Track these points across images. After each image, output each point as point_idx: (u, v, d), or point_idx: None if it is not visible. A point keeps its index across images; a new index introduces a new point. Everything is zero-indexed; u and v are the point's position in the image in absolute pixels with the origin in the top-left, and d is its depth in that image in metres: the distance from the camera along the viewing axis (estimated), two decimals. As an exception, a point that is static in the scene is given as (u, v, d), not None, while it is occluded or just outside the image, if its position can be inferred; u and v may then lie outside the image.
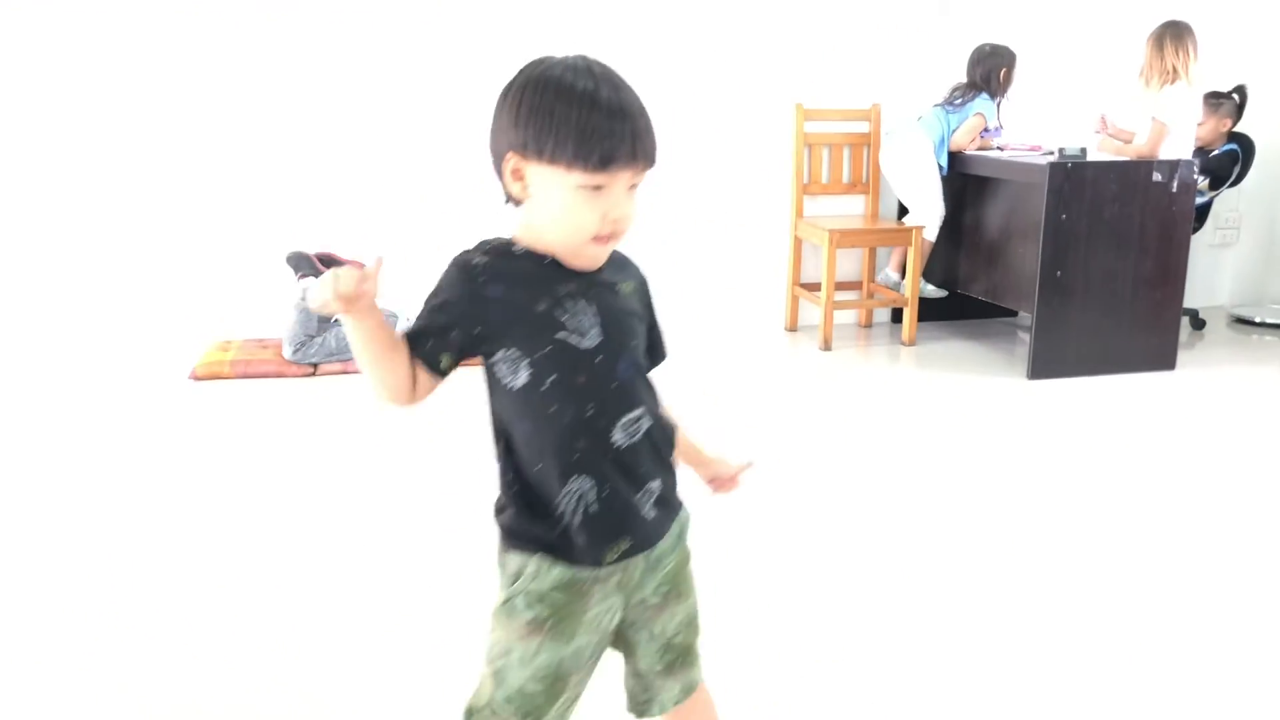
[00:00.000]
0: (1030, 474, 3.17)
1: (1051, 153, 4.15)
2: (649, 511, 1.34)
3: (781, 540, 2.70)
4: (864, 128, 4.80)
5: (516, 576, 1.32)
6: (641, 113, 1.24)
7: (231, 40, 4.28)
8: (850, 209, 4.91)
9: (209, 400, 3.74)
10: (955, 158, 4.63)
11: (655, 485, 1.35)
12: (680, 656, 1.45)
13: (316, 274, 4.26)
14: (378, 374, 1.27)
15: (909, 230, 4.52)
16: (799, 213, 4.78)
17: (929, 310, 4.83)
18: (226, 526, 2.72)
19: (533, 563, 1.31)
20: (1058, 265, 4.01)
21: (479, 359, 1.28)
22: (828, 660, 2.13)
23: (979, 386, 4.03)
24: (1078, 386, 4.01)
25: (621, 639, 1.43)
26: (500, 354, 1.27)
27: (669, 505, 1.38)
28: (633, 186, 1.26)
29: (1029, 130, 4.88)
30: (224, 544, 2.62)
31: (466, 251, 1.29)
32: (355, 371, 4.04)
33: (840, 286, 4.75)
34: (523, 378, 1.26)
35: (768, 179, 4.80)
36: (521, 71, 1.25)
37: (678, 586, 1.42)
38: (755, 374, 4.23)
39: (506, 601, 1.32)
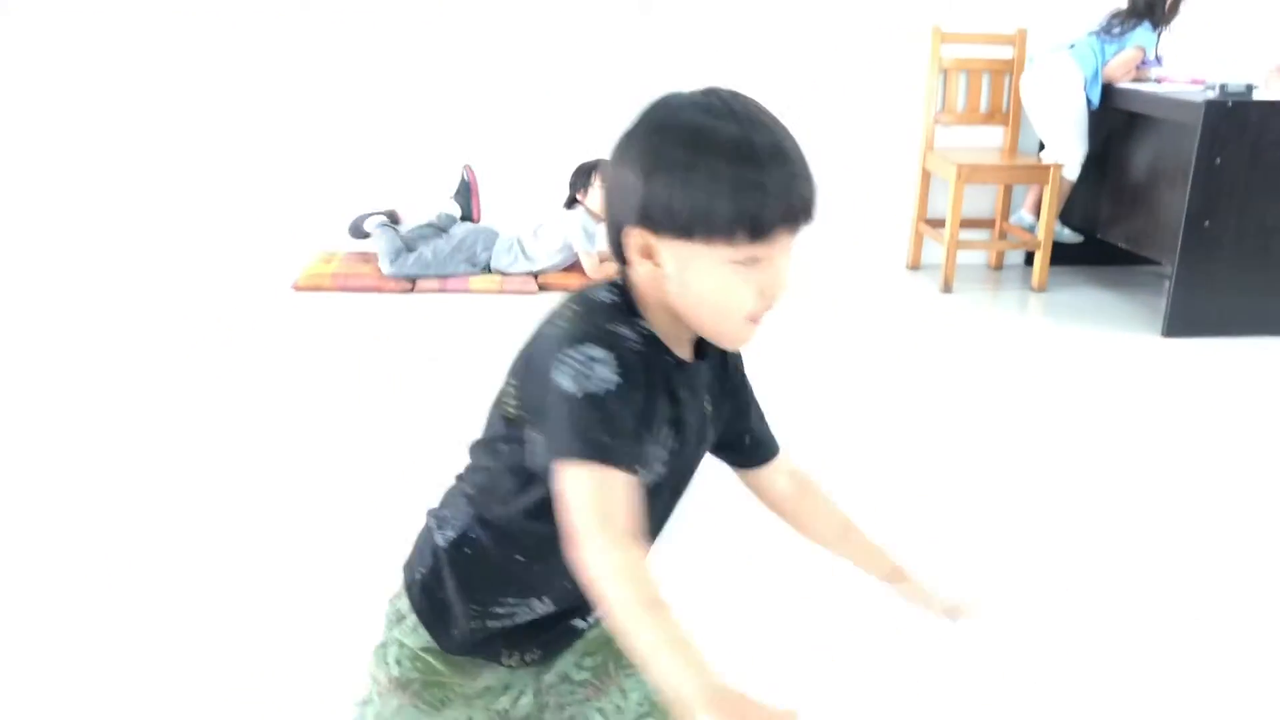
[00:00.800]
0: (1157, 443, 2.91)
1: (1212, 88, 3.76)
2: (585, 619, 1.12)
3: (884, 504, 2.55)
4: (1007, 53, 4.45)
5: (399, 619, 1.12)
6: (799, 156, 0.96)
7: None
8: (986, 141, 4.58)
9: (308, 311, 3.77)
10: (1106, 91, 4.25)
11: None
12: None
13: (466, 206, 4.25)
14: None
15: (1046, 168, 4.20)
16: (929, 144, 4.49)
17: (1064, 255, 4.49)
18: (314, 439, 2.76)
19: (415, 636, 1.10)
20: (1206, 214, 3.65)
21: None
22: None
23: (1108, 341, 3.74)
24: (1218, 348, 3.67)
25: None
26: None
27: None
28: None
29: (1192, 63, 4.45)
30: (316, 459, 2.65)
31: (605, 320, 0.97)
32: (454, 290, 4.01)
33: (970, 225, 4.46)
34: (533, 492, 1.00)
35: (898, 106, 4.51)
36: (644, 116, 0.97)
37: (613, 652, 1.13)
38: (867, 314, 4.03)
39: (381, 646, 1.13)
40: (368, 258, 4.19)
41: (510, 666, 1.11)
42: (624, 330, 0.96)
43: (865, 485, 2.60)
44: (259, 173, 4.35)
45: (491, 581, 1.06)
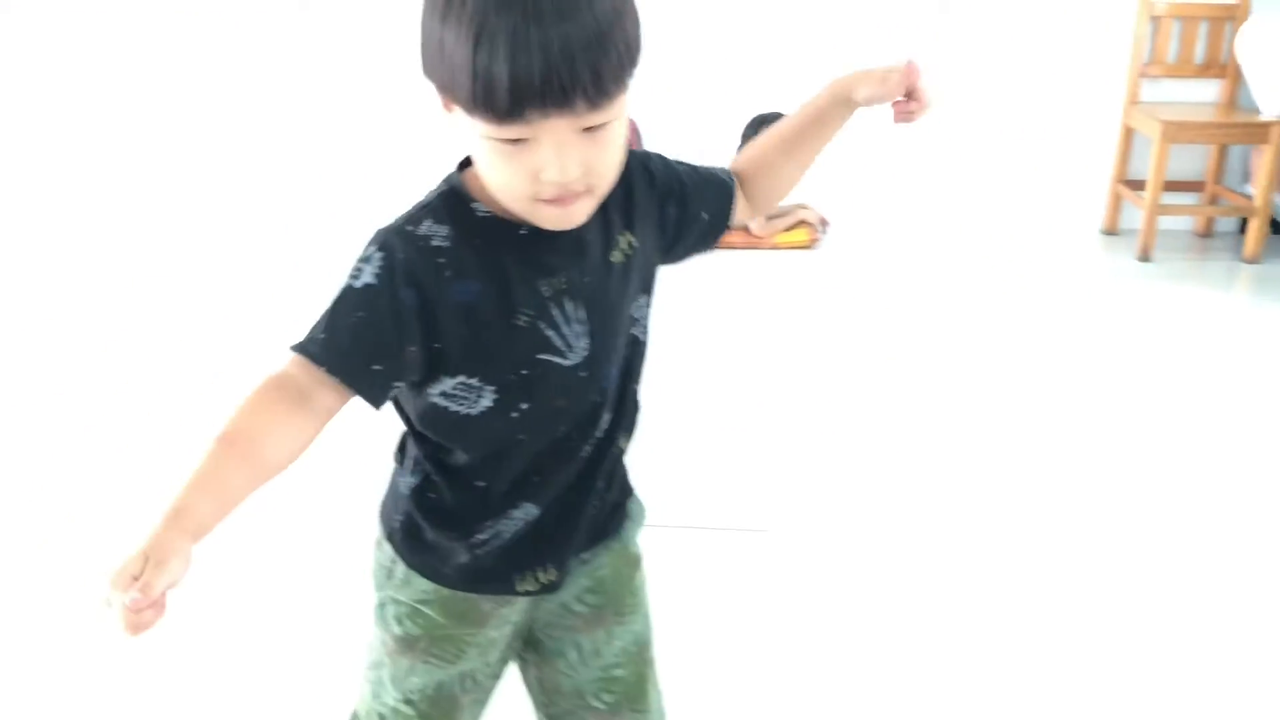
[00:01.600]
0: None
1: None
2: (588, 536, 1.05)
3: (1065, 498, 2.35)
4: (1229, -1, 4.03)
5: (387, 574, 1.05)
6: (581, 33, 0.78)
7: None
8: (1199, 96, 4.16)
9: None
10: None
11: (609, 493, 1.05)
12: (626, 701, 1.12)
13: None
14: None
15: (1266, 126, 3.77)
16: (1133, 98, 4.11)
17: (1284, 223, 4.06)
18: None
19: (410, 577, 1.04)
20: None
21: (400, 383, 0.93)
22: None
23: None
24: None
25: (532, 641, 1.12)
26: (449, 384, 0.93)
27: (615, 509, 1.09)
28: (588, 130, 0.83)
29: None
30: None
31: (410, 217, 0.92)
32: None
33: (1177, 187, 4.08)
34: (482, 405, 0.94)
35: (1100, 55, 4.14)
36: None
37: (617, 599, 1.10)
38: (1053, 283, 3.73)
39: (379, 606, 1.07)
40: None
41: (527, 592, 1.03)
42: (428, 228, 0.90)
43: (1047, 476, 2.41)
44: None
45: (465, 513, 1.01)
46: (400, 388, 0.94)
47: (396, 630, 1.06)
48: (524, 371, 0.94)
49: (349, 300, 0.89)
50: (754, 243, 3.94)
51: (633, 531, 1.12)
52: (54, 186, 4.53)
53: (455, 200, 0.93)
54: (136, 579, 0.74)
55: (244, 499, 0.84)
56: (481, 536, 1.01)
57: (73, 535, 2.23)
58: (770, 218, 3.98)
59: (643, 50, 0.86)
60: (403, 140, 4.34)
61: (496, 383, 0.94)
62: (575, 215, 0.89)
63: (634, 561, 1.12)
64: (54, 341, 3.23)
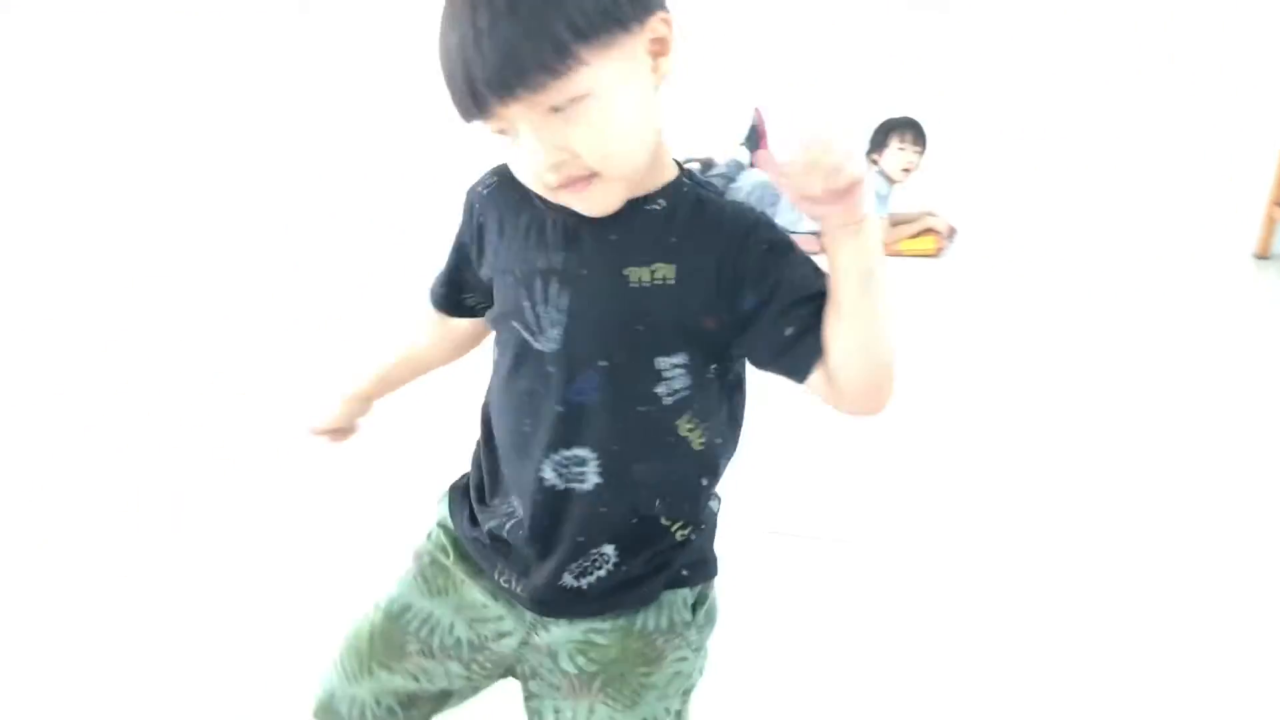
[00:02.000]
0: None
1: None
2: (576, 578, 0.98)
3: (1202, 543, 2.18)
4: None
5: (431, 529, 1.13)
6: (503, 11, 0.80)
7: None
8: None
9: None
10: None
11: (607, 551, 0.97)
12: None
13: (755, 148, 4.09)
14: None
15: None
16: (1297, 114, 3.85)
17: None
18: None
19: (440, 512, 1.11)
20: None
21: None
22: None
23: None
24: None
25: (522, 681, 1.08)
26: (484, 310, 1.05)
27: (626, 586, 0.99)
28: (555, 109, 0.83)
29: None
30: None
31: (483, 188, 1.03)
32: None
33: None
34: (495, 353, 1.02)
35: (1258, 72, 3.88)
36: None
37: (613, 679, 1.00)
38: (1200, 310, 3.49)
39: (420, 547, 1.13)
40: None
41: (500, 585, 1.03)
42: (484, 179, 1.02)
43: (1184, 512, 2.23)
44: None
45: (488, 477, 1.04)
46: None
47: (423, 539, 1.12)
48: (504, 333, 0.97)
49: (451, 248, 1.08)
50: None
51: (650, 626, 1.01)
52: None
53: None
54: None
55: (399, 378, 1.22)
56: (487, 514, 1.03)
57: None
58: (896, 223, 3.85)
59: (608, 23, 0.83)
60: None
61: (495, 327, 1.00)
62: (595, 199, 0.88)
63: (650, 657, 1.01)
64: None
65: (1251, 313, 3.51)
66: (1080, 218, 4.03)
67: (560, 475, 0.96)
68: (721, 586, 1.06)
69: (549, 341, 0.93)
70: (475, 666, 1.07)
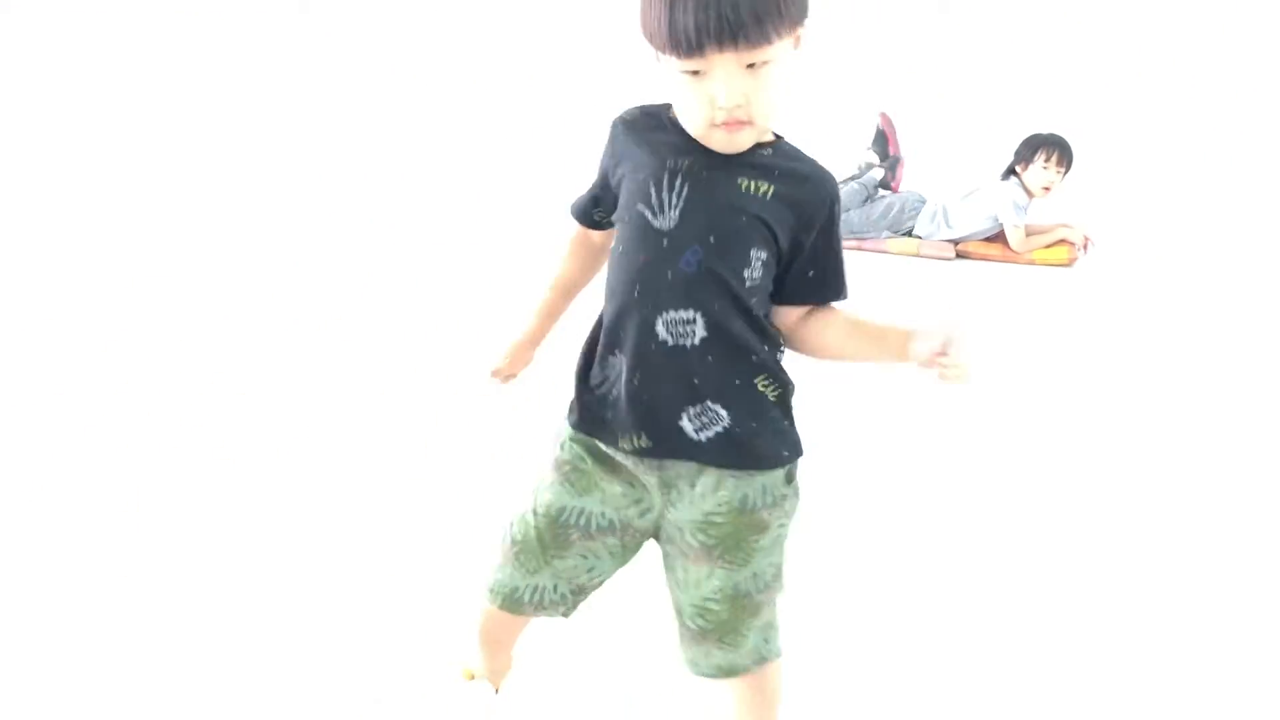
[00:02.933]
0: None
1: None
2: (695, 430, 1.27)
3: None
4: None
5: (559, 436, 1.40)
6: None
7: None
8: None
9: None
10: None
11: (720, 411, 1.26)
12: (716, 631, 1.35)
13: (883, 152, 4.35)
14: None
15: None
16: None
17: None
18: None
19: (569, 424, 1.38)
20: None
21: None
22: None
23: None
24: None
25: (662, 550, 1.40)
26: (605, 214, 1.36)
27: (738, 446, 1.27)
28: (751, 66, 1.14)
29: None
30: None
31: (629, 113, 1.32)
32: (870, 249, 4.12)
33: None
34: (615, 238, 1.30)
35: None
36: None
37: (728, 548, 1.31)
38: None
39: (556, 451, 1.39)
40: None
41: (631, 451, 1.30)
42: (630, 111, 1.31)
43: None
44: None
45: (589, 348, 1.34)
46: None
47: (558, 452, 1.39)
48: (627, 217, 1.26)
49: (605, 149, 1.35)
50: (1011, 257, 4.03)
51: (755, 494, 1.31)
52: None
53: (656, 107, 1.29)
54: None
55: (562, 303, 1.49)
56: (594, 381, 1.33)
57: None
58: (1031, 233, 4.05)
59: (794, 16, 1.17)
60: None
61: (620, 219, 1.28)
62: (739, 140, 1.20)
63: (758, 526, 1.31)
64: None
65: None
66: (1221, 231, 4.15)
67: (670, 333, 1.23)
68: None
69: (668, 220, 1.22)
70: (627, 538, 1.39)
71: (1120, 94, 4.21)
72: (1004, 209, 4.00)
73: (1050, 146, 4.03)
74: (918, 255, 4.08)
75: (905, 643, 1.95)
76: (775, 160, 1.25)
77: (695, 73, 1.15)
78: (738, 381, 1.27)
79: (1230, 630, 2.01)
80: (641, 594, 1.65)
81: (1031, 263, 4.01)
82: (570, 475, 1.37)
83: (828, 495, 2.24)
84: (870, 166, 4.34)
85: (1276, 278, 3.87)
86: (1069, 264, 4.01)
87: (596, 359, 1.31)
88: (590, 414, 1.33)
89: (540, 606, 1.44)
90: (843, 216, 4.05)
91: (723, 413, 1.26)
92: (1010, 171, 4.10)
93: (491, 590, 1.46)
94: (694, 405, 1.26)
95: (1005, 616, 2.03)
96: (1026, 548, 2.24)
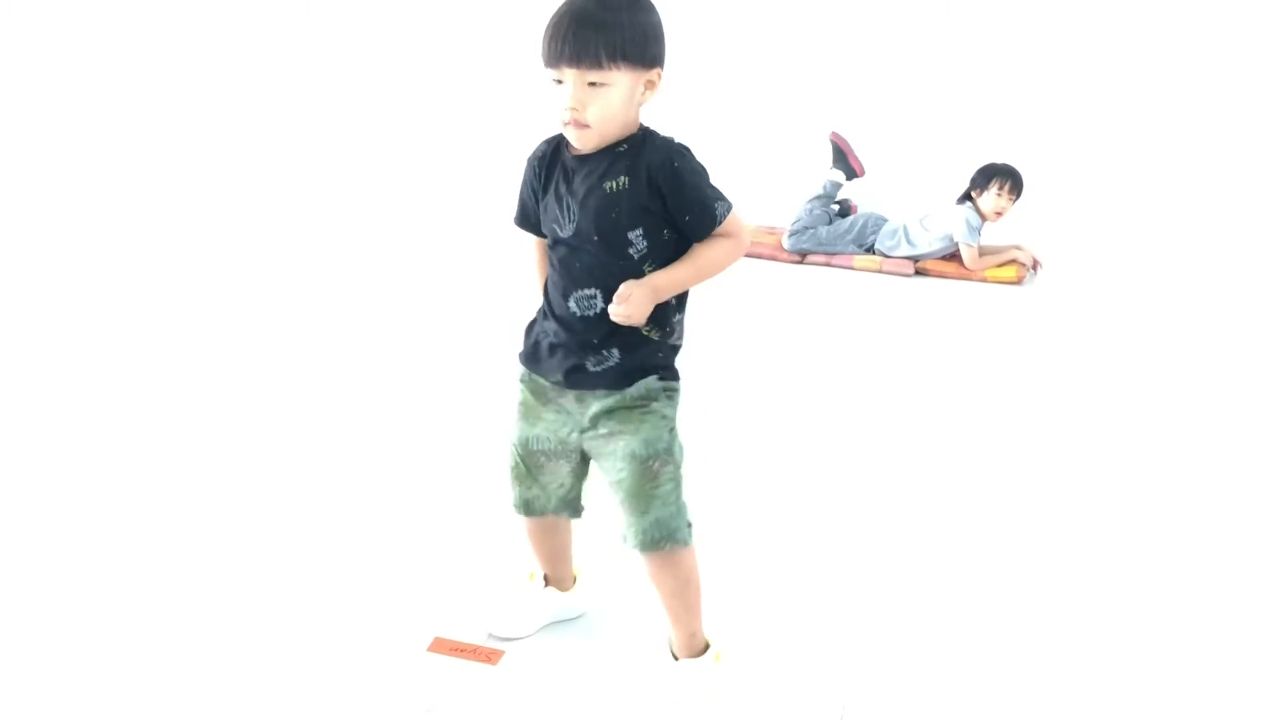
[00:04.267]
0: None
1: None
2: (594, 366, 1.75)
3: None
4: None
5: (518, 374, 1.89)
6: (586, 22, 1.58)
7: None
8: None
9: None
10: None
11: (614, 353, 1.74)
12: (629, 499, 1.77)
13: (846, 165, 4.66)
14: None
15: None
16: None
17: None
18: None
19: (520, 360, 1.87)
20: None
21: None
22: None
23: None
24: None
25: (590, 453, 1.85)
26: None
27: (624, 375, 1.75)
28: (593, 85, 1.61)
29: None
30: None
31: (540, 147, 1.79)
32: (838, 265, 4.46)
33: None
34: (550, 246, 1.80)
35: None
36: None
37: (622, 425, 1.76)
38: (1263, 333, 3.93)
39: (518, 388, 1.88)
40: (772, 230, 4.72)
41: (550, 382, 1.80)
42: (540, 147, 1.79)
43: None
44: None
45: (543, 315, 1.81)
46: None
47: (518, 396, 1.87)
48: (547, 231, 1.77)
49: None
50: (965, 274, 4.38)
51: (640, 398, 1.76)
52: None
53: (558, 139, 1.76)
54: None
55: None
56: (536, 333, 1.83)
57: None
58: (984, 253, 4.41)
59: (656, 57, 1.66)
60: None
61: (546, 232, 1.78)
62: (584, 138, 1.66)
63: (642, 407, 1.76)
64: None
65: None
66: (1164, 252, 4.52)
67: (579, 306, 1.72)
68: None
69: (568, 229, 1.71)
70: (570, 457, 1.85)
71: (1065, 129, 4.58)
72: (959, 229, 4.35)
73: (1003, 176, 4.40)
74: (880, 271, 4.42)
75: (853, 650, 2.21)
76: (627, 154, 1.68)
77: (558, 82, 1.63)
78: (627, 331, 1.73)
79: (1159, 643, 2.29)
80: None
81: (984, 280, 4.36)
82: (523, 412, 1.86)
83: (786, 502, 2.58)
84: (837, 185, 4.67)
85: (1197, 294, 4.25)
86: (1018, 282, 4.36)
87: (539, 317, 1.82)
88: (531, 353, 1.83)
89: (548, 509, 1.92)
90: (811, 232, 4.46)
91: (615, 353, 1.74)
92: (966, 196, 4.46)
93: (515, 505, 1.94)
94: (594, 355, 1.74)
95: (959, 628, 2.19)
96: (980, 550, 2.42)
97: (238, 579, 2.25)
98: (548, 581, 2.07)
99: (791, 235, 4.55)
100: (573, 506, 1.93)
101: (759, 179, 4.87)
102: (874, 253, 4.50)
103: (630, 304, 1.65)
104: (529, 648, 2.03)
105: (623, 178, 1.67)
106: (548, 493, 1.89)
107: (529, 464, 1.87)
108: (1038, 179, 4.48)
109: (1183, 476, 2.78)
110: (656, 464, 1.75)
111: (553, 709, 1.88)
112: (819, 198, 4.62)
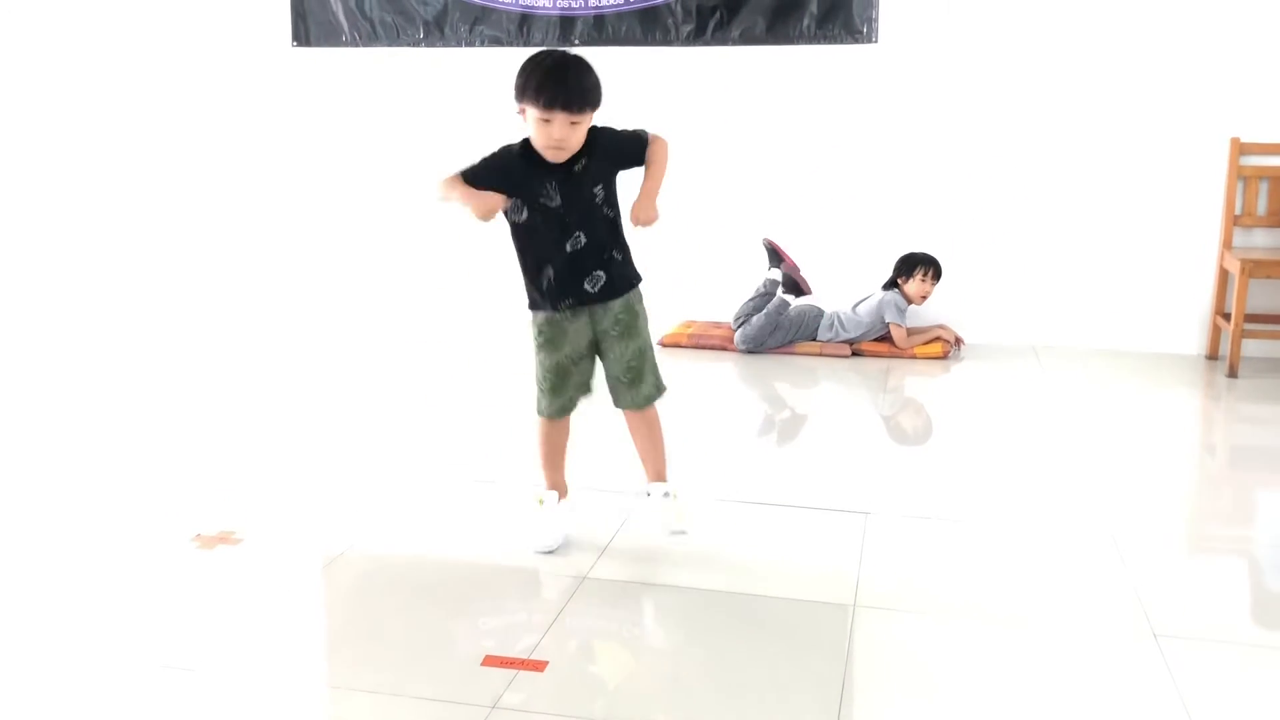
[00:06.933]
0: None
1: None
2: (591, 287, 2.61)
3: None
4: (1309, 162, 4.79)
5: (532, 324, 2.69)
6: (577, 79, 2.39)
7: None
8: (1284, 242, 4.90)
9: (669, 362, 4.79)
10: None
11: (599, 274, 2.61)
12: (635, 377, 2.70)
13: (790, 282, 5.12)
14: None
15: (1334, 267, 4.50)
16: (1227, 243, 4.89)
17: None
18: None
19: (534, 315, 2.69)
20: None
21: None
22: None
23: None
24: None
25: (598, 350, 2.70)
26: (510, 202, 2.54)
27: (613, 284, 2.63)
28: (574, 123, 2.41)
29: None
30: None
31: (509, 144, 2.57)
32: (782, 352, 4.93)
33: (1262, 319, 4.81)
34: (524, 216, 2.58)
35: (1198, 209, 4.94)
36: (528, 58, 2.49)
37: (629, 328, 2.67)
38: (1159, 395, 4.46)
39: (535, 336, 2.69)
40: (719, 324, 5.19)
41: (567, 308, 2.63)
42: (515, 147, 2.57)
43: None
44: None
45: (532, 274, 2.65)
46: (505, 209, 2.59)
47: (538, 339, 2.69)
48: (530, 208, 2.57)
49: (485, 160, 2.58)
50: (897, 353, 4.87)
51: (634, 301, 2.70)
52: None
53: (526, 142, 2.56)
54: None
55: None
56: (540, 281, 2.63)
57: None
58: (912, 333, 4.92)
59: (596, 104, 2.49)
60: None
61: (528, 205, 2.56)
62: (559, 156, 2.50)
63: (637, 313, 2.69)
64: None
65: (1169, 390, 4.47)
66: (1072, 326, 5.07)
67: (571, 246, 2.58)
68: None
69: (554, 201, 2.55)
70: (589, 353, 2.71)
71: (977, 218, 5.16)
72: (887, 312, 4.87)
73: (925, 264, 4.93)
74: (820, 354, 4.90)
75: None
76: (584, 147, 2.52)
77: (547, 121, 2.42)
78: (605, 255, 2.63)
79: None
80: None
81: (914, 355, 4.86)
82: (548, 344, 2.68)
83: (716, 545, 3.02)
84: (775, 284, 5.13)
85: (1125, 373, 4.78)
86: (944, 356, 4.87)
87: (535, 273, 2.62)
88: (539, 298, 2.65)
89: (571, 407, 2.76)
90: (758, 330, 4.89)
91: (601, 274, 2.63)
92: (892, 283, 4.98)
93: (551, 414, 2.74)
94: (588, 278, 2.62)
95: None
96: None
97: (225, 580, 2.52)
98: (559, 495, 2.81)
99: (743, 336, 4.96)
100: (588, 387, 2.75)
101: (705, 278, 5.35)
102: (815, 340, 4.98)
103: (646, 213, 2.55)
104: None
105: (582, 160, 2.54)
106: (572, 389, 2.70)
107: (560, 375, 2.67)
108: (953, 265, 5.03)
109: (1078, 528, 3.15)
110: (649, 348, 2.73)
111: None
112: (761, 296, 5.09)
